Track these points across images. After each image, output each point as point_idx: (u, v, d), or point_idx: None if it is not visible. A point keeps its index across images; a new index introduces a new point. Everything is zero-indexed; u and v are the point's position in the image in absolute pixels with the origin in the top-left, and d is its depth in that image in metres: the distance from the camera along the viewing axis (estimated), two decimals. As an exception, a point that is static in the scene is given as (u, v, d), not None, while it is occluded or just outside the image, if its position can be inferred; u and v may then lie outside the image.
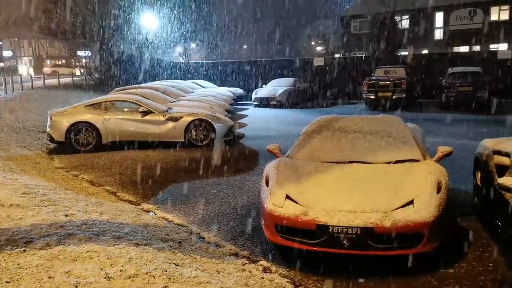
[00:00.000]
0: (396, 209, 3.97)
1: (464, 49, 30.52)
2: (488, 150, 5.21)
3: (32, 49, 59.09)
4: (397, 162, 4.90)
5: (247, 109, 20.09)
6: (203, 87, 20.45)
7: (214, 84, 23.57)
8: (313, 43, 58.56)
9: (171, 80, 22.55)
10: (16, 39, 58.26)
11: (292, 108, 20.24)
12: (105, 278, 3.13)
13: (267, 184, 4.63)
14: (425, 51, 31.05)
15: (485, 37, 29.89)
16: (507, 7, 30.00)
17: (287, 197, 4.29)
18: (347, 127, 5.59)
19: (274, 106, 20.27)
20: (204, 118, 10.56)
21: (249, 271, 3.91)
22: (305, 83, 23.43)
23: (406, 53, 24.65)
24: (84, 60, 29.46)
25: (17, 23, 49.60)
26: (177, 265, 3.61)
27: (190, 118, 10.54)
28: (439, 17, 33.16)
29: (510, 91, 19.22)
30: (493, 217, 4.74)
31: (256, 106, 21.08)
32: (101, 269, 3.28)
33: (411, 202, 4.03)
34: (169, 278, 3.28)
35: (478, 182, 5.60)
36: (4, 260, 3.36)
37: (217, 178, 7.75)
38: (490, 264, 4.10)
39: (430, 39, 33.24)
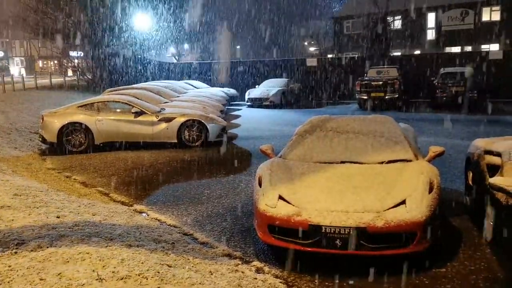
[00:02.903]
0: (388, 209, 3.99)
1: (456, 49, 30.73)
2: (480, 150, 5.25)
3: (23, 50, 58.73)
4: (389, 162, 4.92)
5: (240, 109, 20.08)
6: (196, 88, 20.40)
7: (207, 84, 23.52)
8: (306, 43, 58.72)
9: (164, 80, 22.49)
10: (7, 40, 57.89)
11: (285, 108, 20.27)
12: (97, 279, 3.12)
13: (260, 184, 4.63)
14: (417, 51, 31.23)
15: (476, 38, 30.13)
16: (498, 8, 30.25)
17: (280, 197, 4.29)
18: (340, 128, 5.60)
19: (267, 107, 20.27)
20: (197, 118, 10.55)
21: (242, 272, 3.91)
22: (298, 84, 23.48)
23: (399, 53, 24.74)
24: (76, 61, 29.31)
25: (8, 23, 49.23)
26: (170, 266, 3.60)
27: (183, 119, 10.52)
28: (431, 18, 33.36)
29: (501, 91, 19.39)
30: (484, 217, 4.78)
31: (249, 106, 21.07)
32: (93, 270, 3.26)
33: (403, 202, 4.05)
34: (162, 279, 3.27)
35: (470, 182, 5.63)
36: (-5, 262, 3.33)
37: (210, 178, 7.74)
38: (482, 263, 4.12)
39: (422, 39, 33.42)
